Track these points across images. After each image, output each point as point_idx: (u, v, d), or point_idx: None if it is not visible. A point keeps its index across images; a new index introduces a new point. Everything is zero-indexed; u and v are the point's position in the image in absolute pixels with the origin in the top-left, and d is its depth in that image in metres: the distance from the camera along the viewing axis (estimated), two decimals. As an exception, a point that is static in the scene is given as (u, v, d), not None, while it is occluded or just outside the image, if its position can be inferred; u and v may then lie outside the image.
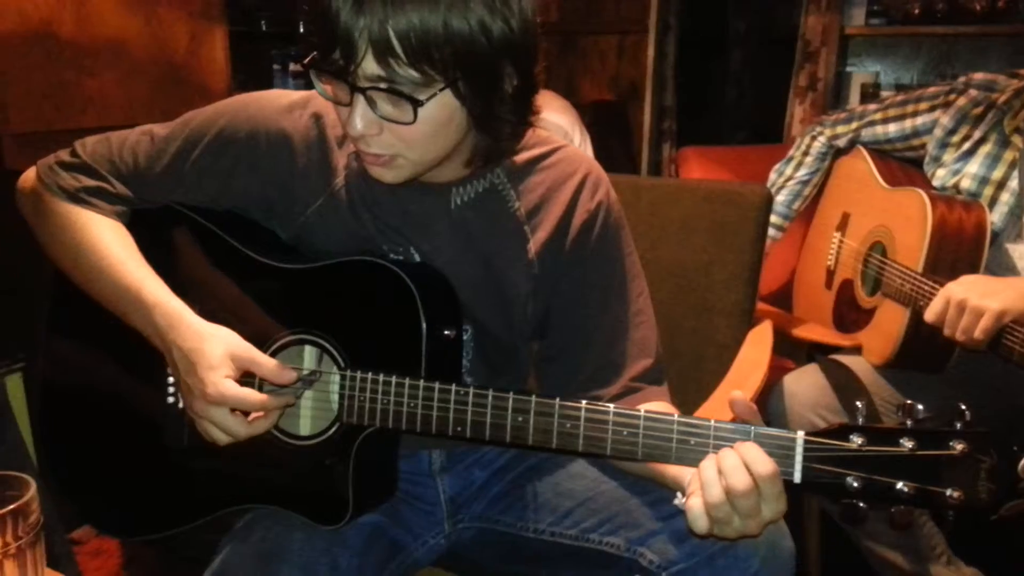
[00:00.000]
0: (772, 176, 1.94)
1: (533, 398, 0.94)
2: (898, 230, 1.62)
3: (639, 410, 0.91)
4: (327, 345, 1.03)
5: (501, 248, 1.08)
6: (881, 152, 1.79)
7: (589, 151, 2.35)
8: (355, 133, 0.92)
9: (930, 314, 1.39)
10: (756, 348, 1.48)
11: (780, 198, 1.89)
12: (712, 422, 0.88)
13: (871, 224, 1.71)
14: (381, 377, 0.98)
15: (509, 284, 1.09)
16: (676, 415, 0.90)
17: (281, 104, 1.07)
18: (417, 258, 1.07)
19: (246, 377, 0.99)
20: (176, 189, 1.09)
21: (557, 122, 2.23)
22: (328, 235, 1.07)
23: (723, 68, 4.07)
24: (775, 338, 1.55)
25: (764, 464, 0.84)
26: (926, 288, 1.45)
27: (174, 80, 2.48)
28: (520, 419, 0.94)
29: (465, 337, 1.09)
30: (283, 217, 1.09)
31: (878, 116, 1.77)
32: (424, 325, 0.99)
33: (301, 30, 2.84)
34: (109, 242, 1.06)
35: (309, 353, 1.06)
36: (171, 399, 1.10)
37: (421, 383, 0.97)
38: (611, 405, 0.92)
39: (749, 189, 1.59)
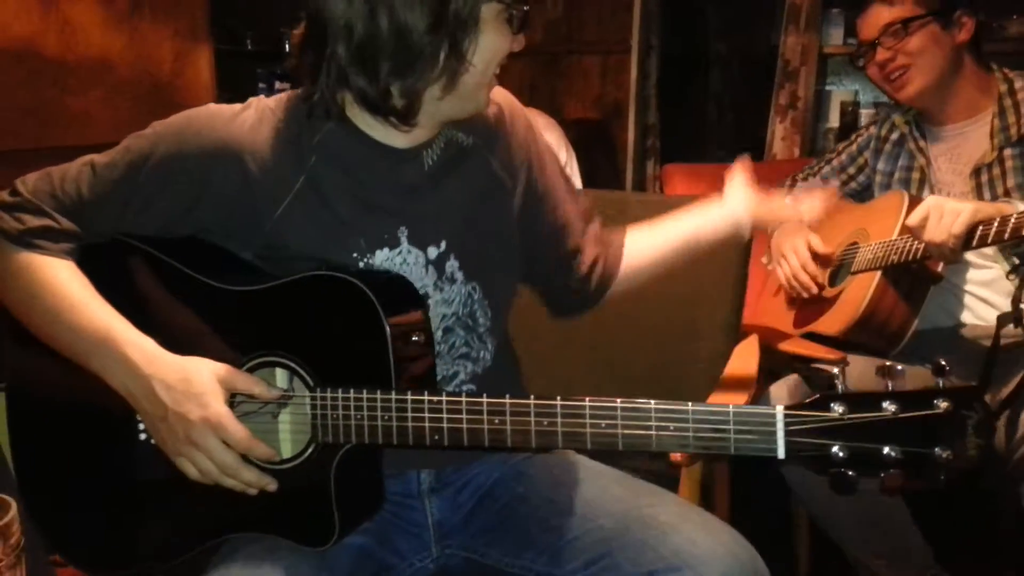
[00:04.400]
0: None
1: (508, 399, 0.93)
2: (873, 224, 1.71)
3: (615, 400, 0.90)
4: (294, 365, 1.01)
5: (486, 199, 1.10)
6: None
7: (575, 168, 2.37)
8: None
9: (913, 219, 1.48)
10: (743, 363, 1.49)
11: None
12: (690, 405, 0.87)
13: (846, 233, 1.78)
14: (352, 393, 0.96)
15: (504, 232, 1.12)
16: (653, 401, 0.89)
17: (224, 116, 1.03)
18: (406, 233, 1.06)
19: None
20: (124, 218, 1.05)
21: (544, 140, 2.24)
22: (302, 234, 1.04)
23: (704, 87, 4.11)
24: (760, 352, 1.56)
25: None
26: (899, 243, 1.57)
27: (158, 99, 2.48)
28: (497, 421, 0.93)
29: (476, 296, 1.10)
30: (248, 230, 1.05)
31: (833, 154, 1.95)
32: (388, 334, 0.96)
33: (287, 49, 2.84)
34: (66, 283, 1.02)
35: (281, 375, 1.03)
36: (143, 435, 1.07)
37: (393, 395, 0.95)
38: (587, 399, 0.91)
39: (734, 204, 1.60)
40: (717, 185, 2.34)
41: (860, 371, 1.60)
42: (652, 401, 0.89)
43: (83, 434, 1.12)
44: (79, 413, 1.10)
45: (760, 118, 3.15)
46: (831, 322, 1.68)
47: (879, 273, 1.60)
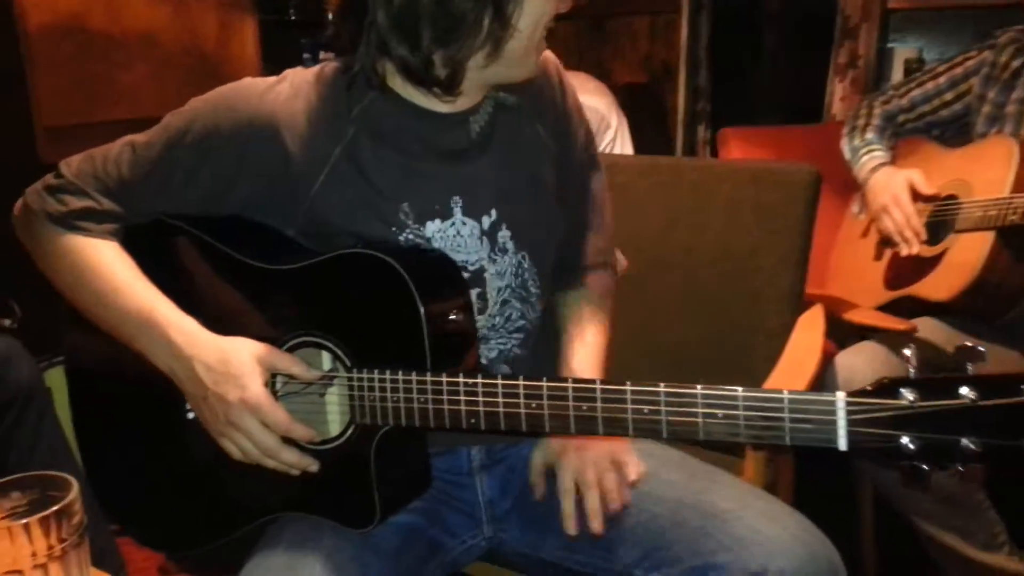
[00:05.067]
0: (846, 149, 1.87)
1: (545, 382, 0.89)
2: (977, 174, 1.60)
3: (659, 384, 0.85)
4: (331, 345, 0.99)
5: (532, 163, 1.08)
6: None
7: (627, 133, 2.31)
8: None
9: None
10: (808, 334, 1.43)
11: (869, 135, 1.82)
12: (740, 390, 0.81)
13: (941, 183, 1.67)
14: (388, 375, 0.94)
15: (549, 197, 1.09)
16: (699, 386, 0.83)
17: (258, 89, 1.01)
18: (460, 203, 1.03)
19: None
20: (164, 198, 1.04)
21: (594, 105, 2.19)
22: (341, 209, 1.01)
23: (758, 47, 3.98)
24: (826, 323, 1.50)
25: None
26: (1016, 202, 1.45)
27: (205, 71, 2.48)
28: (534, 405, 0.89)
29: (526, 265, 1.07)
30: (287, 206, 1.03)
31: (927, 76, 1.78)
32: (423, 314, 0.93)
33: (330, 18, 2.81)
34: (109, 265, 1.02)
35: (326, 354, 1.02)
36: (191, 414, 1.06)
37: (428, 377, 0.93)
38: (628, 382, 0.86)
39: (796, 169, 1.54)
40: (773, 150, 2.28)
41: (933, 337, 1.54)
42: (699, 386, 0.83)
43: (136, 411, 1.12)
44: (133, 390, 1.11)
45: (817, 79, 3.03)
46: (937, 286, 1.58)
47: (992, 233, 1.49)
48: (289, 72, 1.04)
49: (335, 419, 1.03)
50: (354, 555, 0.97)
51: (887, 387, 0.76)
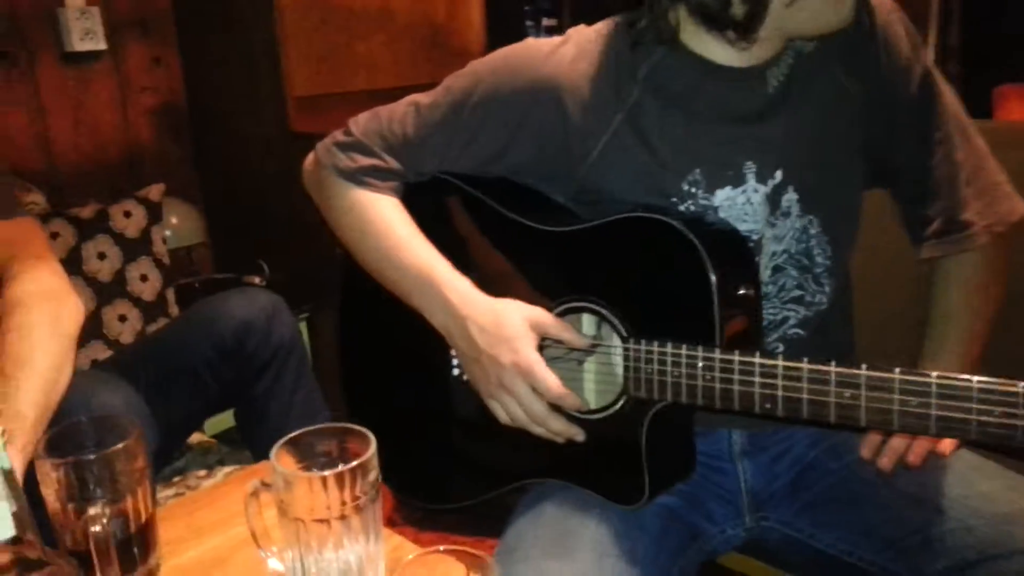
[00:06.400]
0: None
1: (864, 370, 0.78)
2: None
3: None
4: (605, 312, 0.94)
5: (830, 117, 0.97)
6: None
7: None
8: None
9: None
10: None
11: None
12: None
13: None
14: (669, 348, 0.88)
15: (847, 154, 0.99)
16: None
17: (541, 51, 0.99)
18: (754, 169, 0.95)
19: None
20: (444, 158, 1.05)
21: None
22: (619, 178, 0.97)
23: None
24: None
25: None
26: None
27: (434, 42, 2.53)
28: (848, 395, 0.79)
29: (813, 231, 0.98)
30: (562, 173, 1.00)
31: None
32: (714, 285, 0.86)
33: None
34: (391, 222, 1.06)
35: (588, 321, 0.99)
36: (456, 371, 1.08)
37: (718, 354, 0.86)
38: (974, 377, 0.73)
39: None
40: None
41: None
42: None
43: (402, 362, 1.16)
44: (400, 341, 1.14)
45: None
46: None
47: None
48: (572, 32, 1.01)
49: (590, 388, 1.00)
50: (622, 531, 0.94)
51: None
